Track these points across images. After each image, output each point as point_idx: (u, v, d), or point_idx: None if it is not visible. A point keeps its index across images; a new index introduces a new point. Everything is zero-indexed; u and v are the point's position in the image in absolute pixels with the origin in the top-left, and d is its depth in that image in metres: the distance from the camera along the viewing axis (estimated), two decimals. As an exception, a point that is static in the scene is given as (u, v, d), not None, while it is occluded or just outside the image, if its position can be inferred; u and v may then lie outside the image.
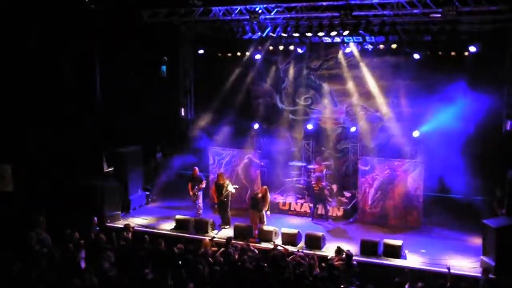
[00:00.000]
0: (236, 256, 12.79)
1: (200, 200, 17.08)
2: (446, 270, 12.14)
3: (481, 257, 13.28)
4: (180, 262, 12.09)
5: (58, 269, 11.76)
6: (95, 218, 14.83)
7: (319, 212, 16.95)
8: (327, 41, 18.26)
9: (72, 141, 17.53)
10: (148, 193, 19.14)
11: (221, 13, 18.09)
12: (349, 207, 17.32)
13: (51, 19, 17.06)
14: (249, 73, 21.00)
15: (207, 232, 15.77)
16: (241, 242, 13.99)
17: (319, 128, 20.04)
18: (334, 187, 18.03)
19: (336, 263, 12.55)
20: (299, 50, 18.90)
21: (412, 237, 15.43)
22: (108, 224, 16.49)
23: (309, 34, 17.44)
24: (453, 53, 16.66)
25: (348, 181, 19.25)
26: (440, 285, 11.53)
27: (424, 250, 14.46)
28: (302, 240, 14.95)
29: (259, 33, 18.13)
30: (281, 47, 18.82)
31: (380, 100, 19.06)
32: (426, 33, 16.49)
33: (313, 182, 17.02)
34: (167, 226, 16.52)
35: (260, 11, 17.38)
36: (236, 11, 17.81)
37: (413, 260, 13.85)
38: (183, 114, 21.50)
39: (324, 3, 16.68)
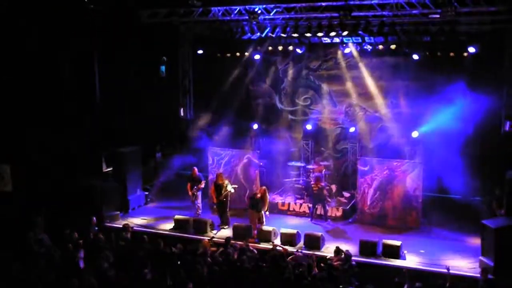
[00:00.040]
0: (235, 256, 12.81)
1: (199, 200, 17.08)
2: (445, 271, 12.17)
3: (480, 257, 13.29)
4: (179, 262, 12.11)
5: (57, 269, 11.78)
6: (94, 218, 14.84)
7: (318, 212, 16.96)
8: (326, 41, 18.25)
9: (71, 141, 17.53)
10: (147, 193, 19.14)
11: (220, 13, 18.11)
12: (348, 207, 17.33)
13: (50, 19, 17.06)
14: (248, 73, 21.00)
15: (206, 232, 15.78)
16: (240, 242, 14.00)
17: (318, 128, 20.03)
18: (333, 187, 18.05)
19: (335, 263, 12.58)
20: (298, 51, 18.89)
21: (411, 237, 15.46)
22: (107, 224, 16.50)
23: (308, 35, 17.44)
24: (452, 54, 16.65)
25: (347, 181, 19.25)
26: (439, 285, 11.58)
27: (423, 250, 14.48)
28: (301, 240, 14.96)
29: (258, 34, 18.13)
30: (280, 48, 18.81)
31: (379, 101, 19.06)
32: (425, 33, 16.49)
33: (312, 183, 17.04)
34: (166, 226, 16.53)
35: (259, 11, 17.39)
36: (235, 12, 17.82)
37: (412, 260, 13.87)
38: (182, 114, 21.50)
39: (323, 4, 16.70)
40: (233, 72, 20.63)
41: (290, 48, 18.80)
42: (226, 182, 16.61)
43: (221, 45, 19.10)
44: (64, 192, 16.48)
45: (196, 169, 17.26)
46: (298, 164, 19.31)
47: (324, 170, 18.23)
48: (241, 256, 12.58)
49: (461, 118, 16.58)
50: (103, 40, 18.61)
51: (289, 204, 17.82)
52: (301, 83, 20.41)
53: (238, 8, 17.70)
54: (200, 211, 17.10)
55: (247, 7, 17.42)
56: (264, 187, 16.37)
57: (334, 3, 16.40)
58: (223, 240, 13.82)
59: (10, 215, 15.26)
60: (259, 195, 15.78)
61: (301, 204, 17.67)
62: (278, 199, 18.17)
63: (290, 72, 20.47)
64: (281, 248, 13.80)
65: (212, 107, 20.67)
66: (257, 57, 19.43)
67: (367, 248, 14.14)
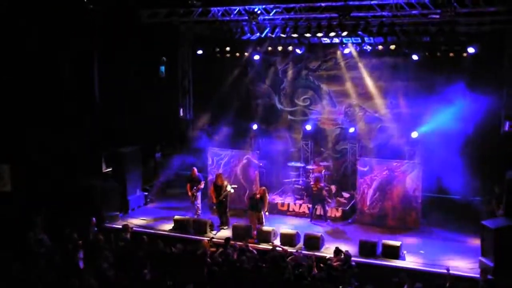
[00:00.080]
0: (235, 257, 12.81)
1: (199, 201, 17.07)
2: (445, 271, 12.18)
3: (480, 258, 13.29)
4: (179, 263, 12.11)
5: (57, 269, 11.77)
6: (94, 219, 14.83)
7: (318, 212, 16.96)
8: (326, 42, 18.24)
9: (71, 141, 17.53)
10: (146, 193, 19.13)
11: (220, 13, 18.12)
12: (347, 207, 17.34)
13: (50, 19, 17.05)
14: (247, 73, 21.00)
15: (206, 233, 15.78)
16: (239, 243, 14.00)
17: (318, 128, 20.02)
18: (333, 187, 18.05)
19: (335, 263, 12.58)
20: (298, 51, 18.87)
21: (410, 238, 15.47)
22: (106, 225, 16.49)
23: (307, 35, 17.44)
24: (451, 54, 16.63)
25: (347, 182, 19.25)
26: (439, 285, 11.58)
27: (423, 251, 14.50)
28: (300, 240, 14.96)
29: (258, 34, 18.12)
30: (279, 48, 18.78)
31: (379, 101, 19.07)
32: (424, 34, 16.49)
33: (311, 183, 17.04)
34: (166, 227, 16.53)
35: (259, 11, 17.40)
36: (235, 12, 17.83)
37: (411, 261, 13.86)
38: (182, 114, 21.49)
39: (323, 4, 16.72)
40: (232, 72, 20.64)
41: (290, 48, 18.78)
42: (226, 182, 16.62)
43: (221, 45, 19.06)
44: (64, 192, 16.48)
45: (195, 169, 17.26)
46: (298, 164, 19.31)
47: (323, 171, 18.24)
48: (241, 257, 12.58)
49: (460, 118, 16.58)
50: (103, 40, 18.61)
51: (288, 204, 17.82)
52: (300, 84, 20.41)
53: (237, 8, 17.71)
54: (199, 211, 17.09)
55: (246, 7, 17.43)
56: (263, 188, 16.39)
57: (334, 4, 16.41)
58: (223, 241, 13.82)
59: (10, 215, 15.25)
60: (258, 196, 15.79)
61: (300, 205, 17.67)
62: (278, 200, 18.17)
63: (290, 72, 20.47)
64: (280, 249, 13.80)
65: (212, 107, 20.68)
66: (256, 57, 19.42)
67: (366, 248, 14.14)
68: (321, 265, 12.61)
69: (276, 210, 17.58)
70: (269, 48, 18.98)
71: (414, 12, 16.00)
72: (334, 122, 20.03)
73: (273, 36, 18.01)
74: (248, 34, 18.21)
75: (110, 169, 18.65)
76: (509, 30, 16.51)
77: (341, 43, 18.20)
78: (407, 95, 18.53)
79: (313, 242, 14.64)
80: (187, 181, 17.27)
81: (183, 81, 21.46)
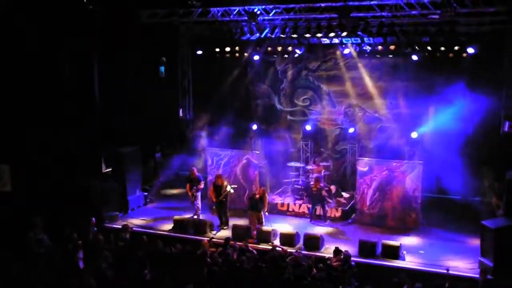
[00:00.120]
0: (235, 257, 12.81)
1: (199, 201, 17.06)
2: (445, 271, 12.18)
3: (479, 258, 13.29)
4: (178, 263, 12.11)
5: (57, 269, 11.78)
6: (93, 219, 14.83)
7: (317, 213, 16.96)
8: (326, 42, 18.24)
9: (71, 141, 17.53)
10: (146, 193, 19.13)
11: (220, 14, 18.14)
12: (347, 208, 17.33)
13: (50, 19, 17.04)
14: (247, 74, 21.03)
15: (206, 233, 15.77)
16: (239, 243, 13.99)
17: (318, 129, 20.04)
18: (333, 188, 18.03)
19: (335, 264, 12.58)
20: (298, 51, 18.88)
21: (410, 238, 15.46)
22: (106, 225, 16.48)
23: (307, 35, 17.47)
24: (451, 55, 16.66)
25: (347, 182, 19.28)
26: (439, 286, 11.58)
27: (423, 251, 14.49)
28: (300, 241, 14.96)
29: (258, 34, 18.14)
30: (279, 48, 18.78)
31: (379, 101, 19.11)
32: (424, 34, 16.50)
33: (311, 183, 17.04)
34: (166, 227, 16.52)
35: (258, 12, 17.42)
36: (235, 12, 17.85)
37: (411, 261, 13.86)
38: (181, 114, 21.49)
39: (323, 4, 16.74)
40: (232, 72, 20.67)
41: (289, 48, 18.79)
42: (225, 182, 16.62)
43: (220, 45, 19.08)
44: (64, 192, 16.47)
45: (195, 169, 17.26)
46: (298, 164, 19.30)
47: (323, 171, 18.24)
48: (241, 257, 12.58)
49: (460, 118, 16.62)
50: (102, 40, 18.60)
51: (288, 204, 17.82)
52: (300, 84, 20.43)
53: (237, 8, 17.73)
54: (199, 211, 17.08)
55: (246, 7, 17.45)
56: (263, 188, 16.41)
57: (334, 4, 16.45)
58: (223, 241, 13.82)
59: (10, 215, 15.24)
60: (258, 196, 15.79)
61: (300, 205, 17.66)
62: (278, 200, 18.17)
63: (289, 72, 20.50)
64: (280, 249, 13.80)
65: (211, 107, 20.68)
66: (256, 57, 19.43)
67: (366, 248, 14.14)
68: (321, 265, 12.60)
69: (276, 210, 17.56)
70: (269, 49, 18.99)
71: (413, 12, 16.04)
72: (333, 122, 20.06)
73: (273, 36, 18.03)
74: (248, 35, 18.24)
75: (110, 169, 18.66)
76: (508, 30, 16.52)
77: (341, 43, 18.21)
78: (407, 95, 18.56)
79: (313, 242, 14.65)
80: (187, 181, 17.26)
81: (183, 81, 21.46)
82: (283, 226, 16.26)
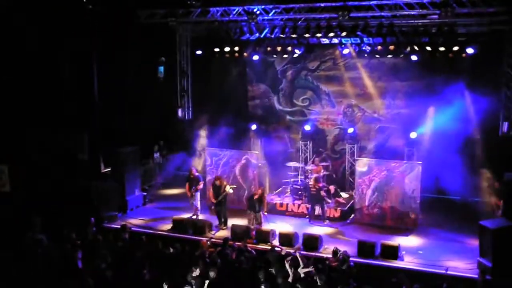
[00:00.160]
0: (233, 257, 12.80)
1: (198, 201, 17.06)
2: (443, 271, 12.17)
3: (478, 258, 13.29)
4: (177, 263, 12.08)
5: (56, 269, 11.76)
6: (92, 219, 14.81)
7: (316, 213, 16.96)
8: (325, 42, 18.23)
9: (70, 141, 17.53)
10: (145, 193, 19.12)
11: (219, 14, 18.15)
12: (346, 208, 17.33)
13: (50, 19, 17.05)
14: (246, 74, 21.06)
15: (205, 233, 15.76)
16: (238, 243, 13.98)
17: (317, 129, 20.06)
18: (332, 188, 18.03)
19: (333, 264, 12.56)
20: (297, 51, 18.86)
21: (409, 238, 15.46)
22: (105, 225, 16.46)
23: (307, 35, 17.47)
24: (450, 55, 16.65)
25: (346, 182, 19.28)
26: (437, 286, 11.56)
27: (422, 251, 14.49)
28: (299, 241, 14.96)
29: (257, 34, 18.15)
30: (278, 48, 18.76)
31: (378, 102, 19.13)
32: (423, 34, 16.50)
33: (310, 183, 17.03)
34: (165, 227, 16.51)
35: (258, 12, 17.44)
36: (234, 12, 17.85)
37: (410, 261, 13.86)
38: (180, 114, 21.48)
39: (322, 4, 16.76)
40: (231, 72, 20.68)
41: (289, 48, 18.76)
42: (225, 182, 16.62)
43: (220, 45, 19.07)
44: (63, 192, 16.46)
45: (194, 169, 17.27)
46: (297, 164, 19.30)
47: (322, 171, 18.24)
48: (239, 257, 12.57)
49: (459, 119, 16.64)
50: (102, 40, 18.62)
51: (287, 204, 17.81)
52: (299, 84, 20.43)
53: (237, 8, 17.74)
54: (198, 211, 17.08)
55: (246, 7, 17.46)
56: (262, 188, 16.40)
57: (333, 4, 16.46)
58: (222, 241, 13.80)
59: (9, 215, 15.24)
60: (257, 196, 15.79)
61: (299, 205, 17.66)
62: (277, 200, 18.16)
63: (289, 72, 20.50)
64: (279, 249, 13.78)
65: (210, 107, 20.67)
66: (255, 57, 19.41)
67: (365, 249, 14.13)
68: (320, 265, 12.58)
69: (275, 211, 17.56)
70: (268, 49, 18.96)
71: (413, 12, 16.06)
72: (333, 122, 20.07)
73: (272, 36, 18.03)
74: (247, 35, 18.26)
75: (109, 169, 18.66)
76: (508, 30, 16.50)
77: (340, 43, 18.19)
78: (406, 95, 18.58)
79: (312, 243, 14.65)
80: (186, 181, 17.26)
81: (182, 81, 21.46)
82: (282, 226, 16.24)
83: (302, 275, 11.65)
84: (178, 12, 18.37)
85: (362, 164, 16.85)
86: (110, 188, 17.50)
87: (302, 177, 18.73)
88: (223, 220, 16.45)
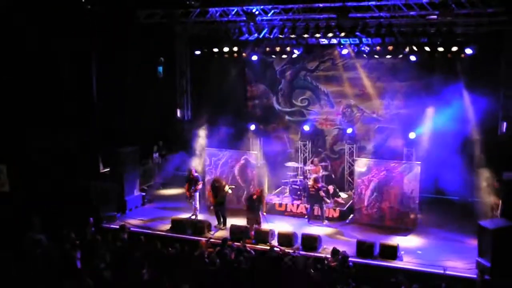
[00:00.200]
0: (232, 257, 12.80)
1: (197, 201, 17.06)
2: (442, 271, 12.17)
3: (477, 258, 13.29)
4: (176, 263, 12.09)
5: (55, 269, 11.76)
6: (91, 219, 14.81)
7: (315, 213, 16.96)
8: (324, 42, 18.25)
9: (69, 141, 17.52)
10: (144, 193, 19.11)
11: (218, 14, 18.17)
12: (345, 208, 17.34)
13: (49, 19, 17.05)
14: (245, 74, 21.06)
15: (204, 233, 15.75)
16: (237, 243, 13.98)
17: (316, 129, 20.07)
18: (331, 188, 18.04)
19: (332, 264, 12.56)
20: (296, 52, 18.87)
21: (408, 238, 15.47)
22: (104, 225, 16.45)
23: (305, 36, 17.48)
24: (449, 55, 16.68)
25: (345, 182, 19.29)
26: (436, 286, 11.57)
27: (420, 251, 14.50)
28: (298, 241, 14.96)
29: (256, 34, 18.17)
30: (277, 49, 18.78)
31: (377, 102, 19.14)
32: (422, 35, 16.52)
33: (309, 183, 17.04)
34: (164, 227, 16.50)
35: (257, 12, 17.46)
36: (233, 12, 17.87)
37: (409, 261, 13.87)
38: (179, 114, 21.48)
39: (321, 5, 16.78)
40: (230, 73, 20.68)
41: (288, 49, 18.78)
42: (224, 183, 16.63)
43: (219, 45, 19.08)
44: (62, 192, 16.45)
45: (193, 169, 17.26)
46: (296, 165, 19.31)
47: (321, 171, 18.25)
48: (238, 257, 12.57)
49: (458, 119, 16.65)
50: (101, 40, 18.62)
51: (286, 205, 17.81)
52: (298, 84, 20.44)
53: (235, 9, 17.76)
54: (197, 211, 17.08)
55: (244, 8, 17.48)
56: (261, 188, 16.40)
57: (332, 4, 16.47)
58: (220, 241, 13.80)
59: (8, 215, 15.22)
60: (255, 196, 15.79)
61: (298, 205, 17.66)
62: (276, 200, 18.17)
63: (288, 73, 20.51)
64: (278, 249, 13.78)
65: (210, 107, 20.67)
66: (254, 58, 19.41)
67: (364, 249, 14.13)
68: (319, 265, 12.59)
69: (274, 211, 17.55)
70: (267, 49, 18.99)
71: (412, 13, 16.09)
72: (332, 122, 20.08)
73: (271, 36, 18.06)
74: (246, 35, 18.27)
75: (108, 169, 18.65)
76: (507, 31, 16.54)
77: (339, 43, 18.21)
78: (405, 96, 18.60)
79: (311, 243, 14.64)
80: (185, 181, 17.26)
81: (181, 81, 21.48)
82: (281, 226, 16.24)
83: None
84: (177, 12, 18.38)
85: (361, 164, 16.86)
86: (109, 188, 17.48)
87: (301, 177, 18.75)
88: (222, 220, 16.45)
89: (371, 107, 19.32)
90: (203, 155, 18.73)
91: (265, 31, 18.04)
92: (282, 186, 19.26)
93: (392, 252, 13.99)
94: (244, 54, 19.28)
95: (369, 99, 19.25)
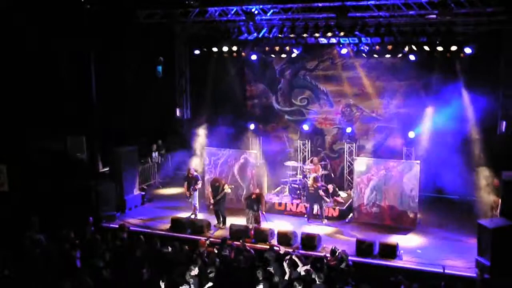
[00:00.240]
0: (232, 256, 12.81)
1: (196, 200, 17.07)
2: (441, 271, 12.18)
3: (477, 257, 13.30)
4: (175, 263, 12.09)
5: (54, 269, 11.76)
6: (91, 218, 14.81)
7: (315, 212, 16.97)
8: (323, 42, 18.26)
9: (68, 141, 17.54)
10: (143, 193, 19.11)
11: (217, 13, 18.17)
12: (345, 207, 17.35)
13: (48, 19, 17.05)
14: (245, 73, 21.06)
15: (203, 232, 15.76)
16: (237, 242, 13.98)
17: (315, 128, 20.08)
18: (330, 187, 18.03)
19: (332, 263, 12.57)
20: (295, 51, 18.88)
21: (407, 237, 15.47)
22: (103, 224, 16.45)
23: (305, 35, 17.48)
24: (448, 55, 16.69)
25: (344, 181, 19.29)
26: (436, 285, 11.58)
27: (420, 250, 14.51)
28: (298, 240, 14.97)
29: (255, 34, 18.18)
30: (277, 48, 18.78)
31: (376, 101, 19.15)
32: (421, 34, 16.53)
33: (309, 183, 17.04)
34: (163, 226, 16.51)
35: (256, 12, 17.46)
36: (232, 12, 17.88)
37: (408, 260, 13.88)
38: (178, 114, 21.48)
39: (320, 4, 16.79)
40: (230, 72, 20.67)
41: (287, 48, 18.79)
42: (223, 182, 16.64)
43: (218, 45, 19.08)
44: (61, 192, 16.45)
45: (192, 169, 17.26)
46: (295, 164, 19.32)
47: (321, 170, 18.26)
48: (238, 256, 12.58)
49: (457, 118, 16.66)
50: (100, 40, 18.58)
51: (285, 204, 17.82)
52: (297, 84, 20.44)
53: (235, 8, 17.76)
54: (197, 211, 17.08)
55: (244, 7, 17.48)
56: (260, 187, 16.42)
57: (331, 4, 16.48)
58: (220, 240, 13.81)
59: (7, 215, 15.23)
60: (255, 195, 15.79)
61: (297, 204, 17.67)
62: (275, 199, 18.17)
63: (287, 72, 20.51)
64: (278, 248, 13.79)
65: (209, 107, 20.67)
66: (253, 57, 19.42)
67: (363, 248, 14.15)
68: (318, 264, 12.59)
69: (273, 210, 17.56)
70: (266, 48, 18.98)
71: (411, 12, 16.10)
72: (331, 122, 20.09)
73: (270, 36, 18.06)
74: (245, 34, 18.26)
75: (107, 169, 18.65)
76: (506, 30, 16.55)
77: (338, 43, 18.21)
78: (404, 95, 18.61)
79: (310, 242, 14.65)
80: (184, 180, 17.26)
81: (180, 81, 21.48)
82: (281, 225, 16.25)
83: (302, 273, 11.67)
84: (176, 12, 18.38)
85: (360, 164, 16.88)
86: (108, 188, 17.48)
87: (301, 176, 18.76)
88: (221, 219, 16.45)
89: (370, 107, 19.32)
90: (203, 155, 18.73)
91: (264, 30, 18.05)
92: (282, 185, 19.25)
93: (391, 251, 14.00)
94: (243, 54, 19.28)
95: (369, 99, 19.26)
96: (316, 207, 16.93)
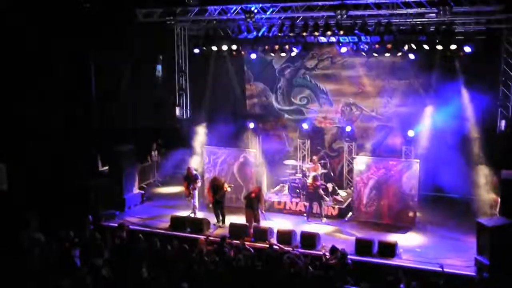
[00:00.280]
0: (231, 255, 12.82)
1: (196, 199, 17.08)
2: (440, 269, 12.19)
3: (476, 256, 13.31)
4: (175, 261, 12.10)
5: (53, 268, 11.77)
6: (90, 217, 14.82)
7: (314, 211, 16.97)
8: (323, 41, 18.23)
9: (67, 140, 17.53)
10: (143, 192, 19.12)
11: (217, 12, 18.15)
12: (344, 206, 17.35)
13: (47, 19, 17.05)
14: (244, 72, 21.04)
15: (202, 231, 15.76)
16: (236, 241, 13.99)
17: (315, 127, 20.06)
18: (330, 186, 18.05)
19: (331, 262, 12.57)
20: (295, 50, 18.84)
21: (407, 236, 15.48)
22: (103, 223, 16.47)
23: (304, 34, 17.46)
24: (448, 53, 16.68)
25: (343, 180, 19.29)
26: (435, 283, 11.58)
27: (419, 249, 14.51)
28: (297, 239, 14.97)
29: (255, 33, 18.14)
30: (276, 47, 18.75)
31: (376, 100, 19.14)
32: (421, 33, 16.52)
33: (308, 181, 17.05)
34: (162, 225, 16.51)
35: (255, 10, 17.44)
36: (232, 11, 17.85)
37: (408, 259, 13.88)
38: (178, 112, 21.47)
39: (320, 3, 16.78)
40: (229, 71, 20.65)
41: (287, 47, 18.75)
42: (223, 180, 16.64)
43: (218, 44, 19.06)
44: (60, 190, 16.46)
45: (191, 167, 17.26)
46: (295, 163, 19.33)
47: (320, 169, 18.25)
48: (237, 255, 12.59)
49: (457, 117, 16.66)
50: (99, 39, 18.61)
51: (285, 203, 17.82)
52: (297, 83, 20.43)
53: (234, 7, 17.74)
54: (196, 209, 17.09)
55: (243, 6, 17.45)
56: (259, 186, 16.41)
57: (331, 3, 16.48)
58: (219, 239, 13.81)
59: (6, 214, 15.23)
60: (254, 194, 15.79)
61: (297, 203, 17.68)
62: (274, 198, 18.18)
63: (287, 71, 20.50)
64: (277, 247, 13.79)
65: (208, 106, 20.66)
66: (253, 56, 19.38)
67: (363, 246, 14.16)
68: (317, 263, 12.61)
69: (272, 209, 17.58)
70: (266, 47, 18.93)
71: (410, 11, 16.07)
72: (331, 121, 20.08)
73: (270, 35, 18.01)
74: (245, 33, 18.23)
75: (107, 168, 18.65)
76: (505, 29, 16.54)
77: (338, 42, 18.15)
78: (404, 94, 18.61)
79: (310, 240, 14.65)
80: (184, 179, 17.26)
81: (180, 79, 21.45)
82: (280, 224, 16.25)
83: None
84: (176, 11, 18.36)
85: (360, 162, 16.87)
86: (107, 187, 17.50)
87: (300, 175, 18.75)
88: (221, 218, 16.46)
89: (370, 105, 19.31)
90: (202, 153, 18.72)
91: (264, 29, 18.02)
92: (281, 184, 19.27)
93: (390, 249, 14.01)
94: (243, 53, 19.24)
95: (368, 97, 19.25)
96: (315, 206, 16.93)
